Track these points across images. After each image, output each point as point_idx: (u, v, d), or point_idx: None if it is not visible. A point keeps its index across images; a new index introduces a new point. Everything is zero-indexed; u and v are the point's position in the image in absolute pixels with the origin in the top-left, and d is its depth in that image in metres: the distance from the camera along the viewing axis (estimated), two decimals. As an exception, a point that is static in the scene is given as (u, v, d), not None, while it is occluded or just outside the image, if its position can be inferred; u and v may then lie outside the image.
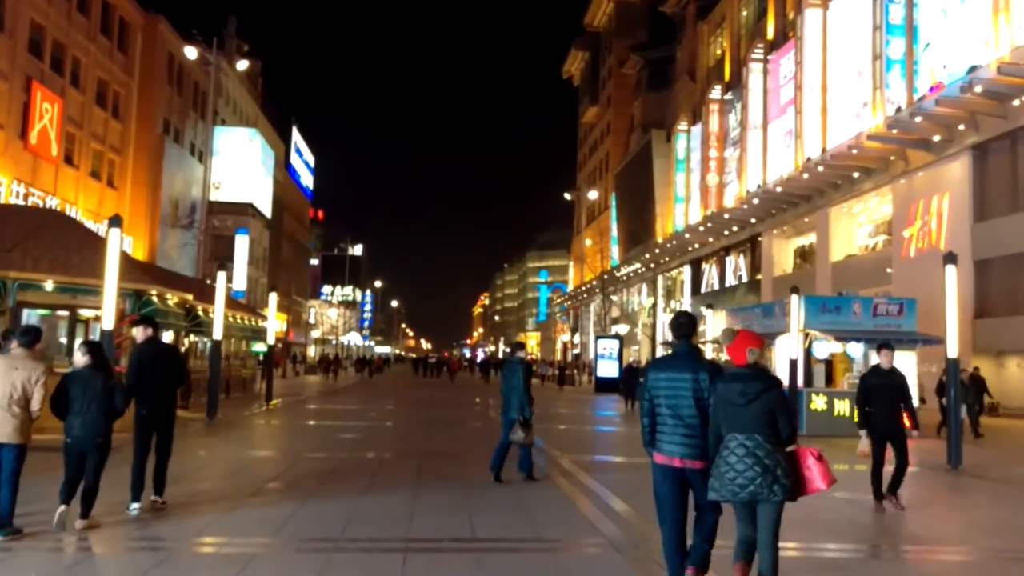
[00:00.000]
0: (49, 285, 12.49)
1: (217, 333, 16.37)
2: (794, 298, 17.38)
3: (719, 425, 4.87)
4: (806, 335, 17.60)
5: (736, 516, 4.96)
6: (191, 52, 30.89)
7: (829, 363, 18.72)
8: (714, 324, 23.82)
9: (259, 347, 29.95)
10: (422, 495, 9.07)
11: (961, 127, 26.62)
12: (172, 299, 15.21)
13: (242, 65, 37.12)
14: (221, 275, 16.63)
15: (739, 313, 23.95)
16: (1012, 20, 23.49)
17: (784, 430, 4.89)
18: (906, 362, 17.67)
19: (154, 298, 13.76)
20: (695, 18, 58.00)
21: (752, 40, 46.37)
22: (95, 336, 14.13)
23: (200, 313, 17.42)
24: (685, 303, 55.10)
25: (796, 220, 40.48)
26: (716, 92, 50.68)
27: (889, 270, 31.55)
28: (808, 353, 17.60)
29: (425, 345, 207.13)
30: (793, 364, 16.95)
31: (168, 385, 7.86)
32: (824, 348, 17.80)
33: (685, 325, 5.28)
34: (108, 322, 10.58)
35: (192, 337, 20.70)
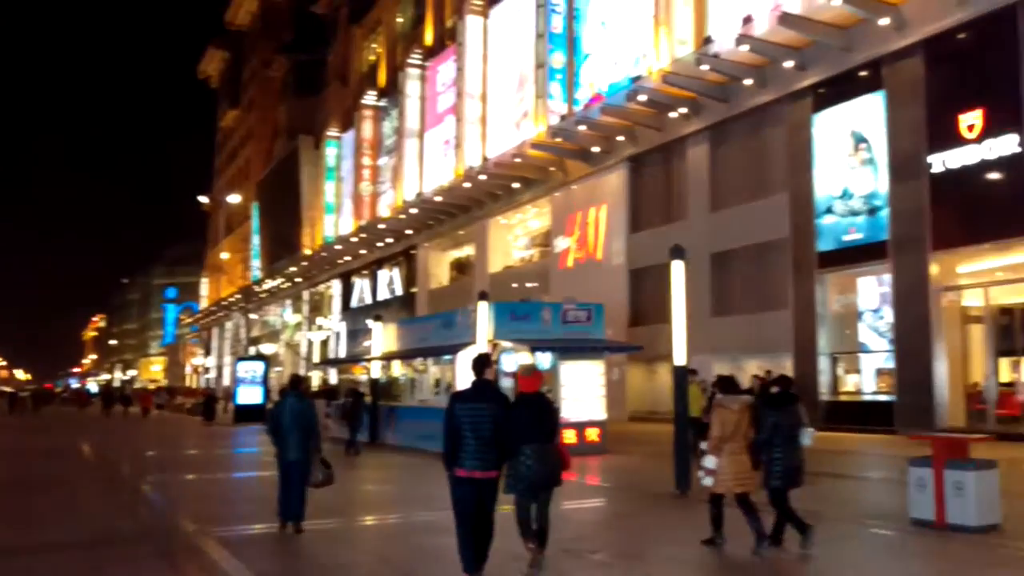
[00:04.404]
0: None
1: None
2: (482, 305, 14.98)
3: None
4: (495, 346, 15.21)
5: None
6: None
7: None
8: (383, 338, 20.66)
9: None
10: None
11: (620, 138, 26.80)
12: None
13: None
14: None
15: (413, 324, 21.16)
16: (673, 33, 23.82)
17: None
18: (593, 371, 16.02)
19: None
20: (348, 21, 55.22)
21: (409, 45, 44.69)
22: None
23: None
24: (334, 318, 51.72)
25: (453, 232, 39.32)
26: (370, 98, 48.36)
27: (531, 284, 31.67)
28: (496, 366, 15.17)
29: (23, 376, 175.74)
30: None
31: None
32: (514, 360, 15.52)
33: (478, 364, 6.34)
34: None
35: None
